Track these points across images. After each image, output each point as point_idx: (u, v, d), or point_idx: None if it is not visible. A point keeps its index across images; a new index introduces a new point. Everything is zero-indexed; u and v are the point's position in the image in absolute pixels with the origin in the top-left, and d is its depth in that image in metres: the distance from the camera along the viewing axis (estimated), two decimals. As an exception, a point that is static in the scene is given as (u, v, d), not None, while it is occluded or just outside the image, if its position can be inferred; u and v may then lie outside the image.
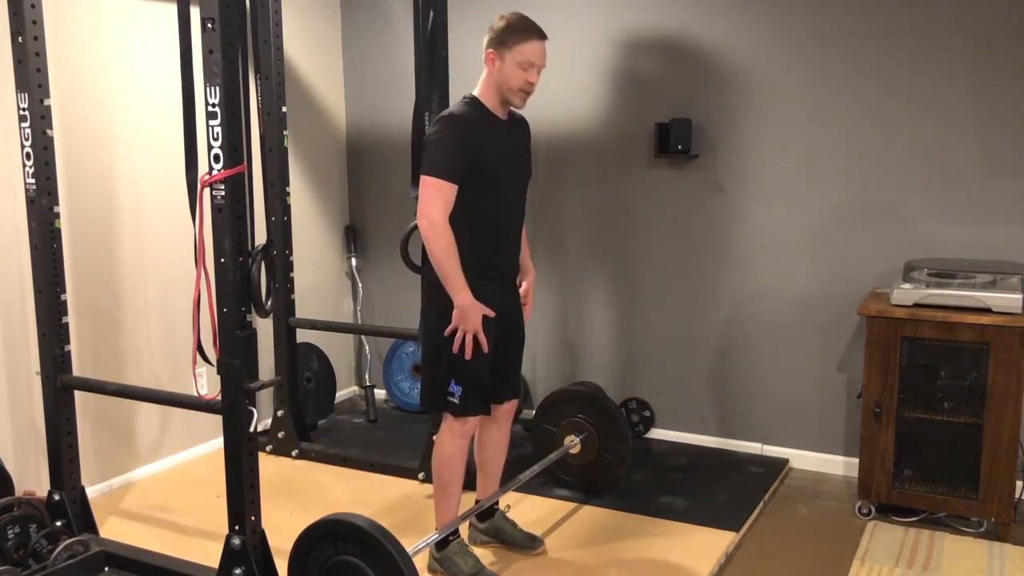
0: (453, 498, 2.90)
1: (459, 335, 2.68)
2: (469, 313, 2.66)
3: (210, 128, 2.37)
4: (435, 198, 2.62)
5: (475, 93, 2.77)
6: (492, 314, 2.72)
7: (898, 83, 3.54)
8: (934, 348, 3.25)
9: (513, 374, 2.99)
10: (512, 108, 2.81)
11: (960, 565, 3.01)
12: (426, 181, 2.63)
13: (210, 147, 2.38)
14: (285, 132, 3.92)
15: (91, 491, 3.29)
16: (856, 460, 3.48)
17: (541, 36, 2.71)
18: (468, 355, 2.69)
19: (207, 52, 2.34)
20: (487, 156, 2.69)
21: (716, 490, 3.60)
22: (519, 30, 2.68)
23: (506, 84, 2.70)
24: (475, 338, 2.69)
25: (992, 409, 3.11)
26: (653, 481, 3.70)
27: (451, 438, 2.84)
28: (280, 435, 4.01)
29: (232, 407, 2.51)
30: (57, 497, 2.97)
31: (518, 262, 2.95)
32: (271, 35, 3.85)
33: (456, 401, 2.77)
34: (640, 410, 4.20)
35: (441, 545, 2.89)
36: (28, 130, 2.79)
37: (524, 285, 3.01)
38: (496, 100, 2.75)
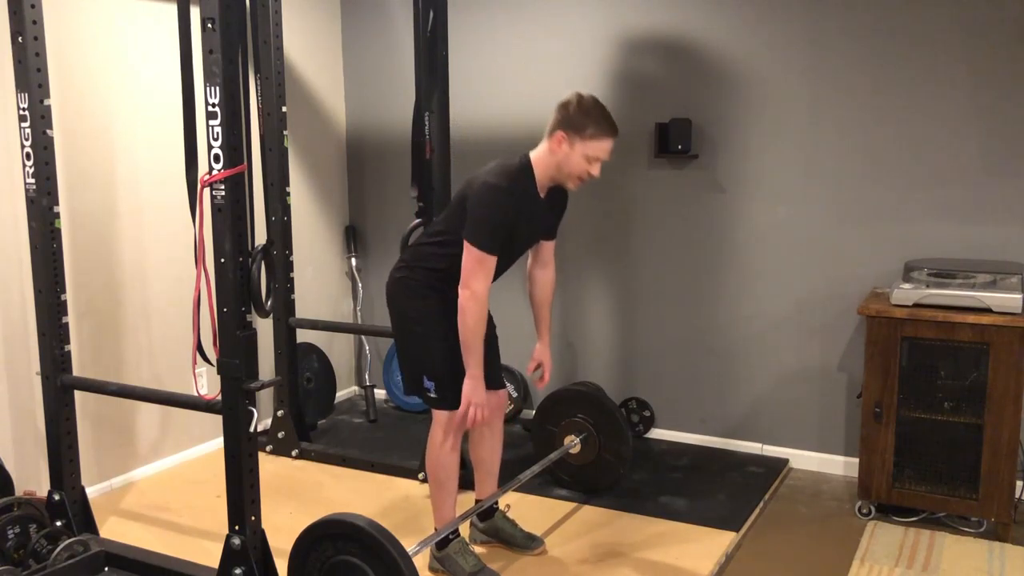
0: (449, 496, 2.90)
1: (472, 411, 2.70)
2: (479, 386, 2.69)
3: (210, 128, 2.37)
4: (479, 271, 2.62)
5: (532, 158, 2.73)
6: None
7: (898, 83, 3.54)
8: (934, 348, 3.25)
9: (493, 365, 2.98)
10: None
11: (960, 565, 3.01)
12: (471, 251, 2.62)
13: (210, 147, 2.38)
14: (285, 132, 3.91)
15: (91, 491, 3.29)
16: (856, 460, 3.47)
17: (616, 133, 2.69)
18: (470, 424, 2.74)
19: (207, 52, 2.34)
20: (517, 229, 2.71)
21: (716, 490, 3.60)
22: (598, 124, 2.64)
23: (567, 169, 2.68)
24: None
25: (992, 409, 3.11)
26: (653, 481, 3.69)
27: (442, 434, 2.85)
28: (280, 435, 4.00)
29: (232, 407, 2.51)
30: (57, 497, 2.97)
31: None
32: (271, 35, 3.85)
33: (433, 395, 2.80)
34: (640, 410, 4.20)
35: (442, 544, 2.89)
36: (28, 130, 2.79)
37: (538, 351, 3.05)
38: (548, 177, 2.73)
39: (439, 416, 2.85)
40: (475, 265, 2.62)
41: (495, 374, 3.00)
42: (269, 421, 4.05)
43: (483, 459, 3.08)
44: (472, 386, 2.69)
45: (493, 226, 2.63)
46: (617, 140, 2.72)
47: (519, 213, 2.69)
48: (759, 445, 4.00)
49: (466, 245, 2.63)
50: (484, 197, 2.64)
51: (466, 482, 3.10)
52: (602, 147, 2.66)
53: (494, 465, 3.10)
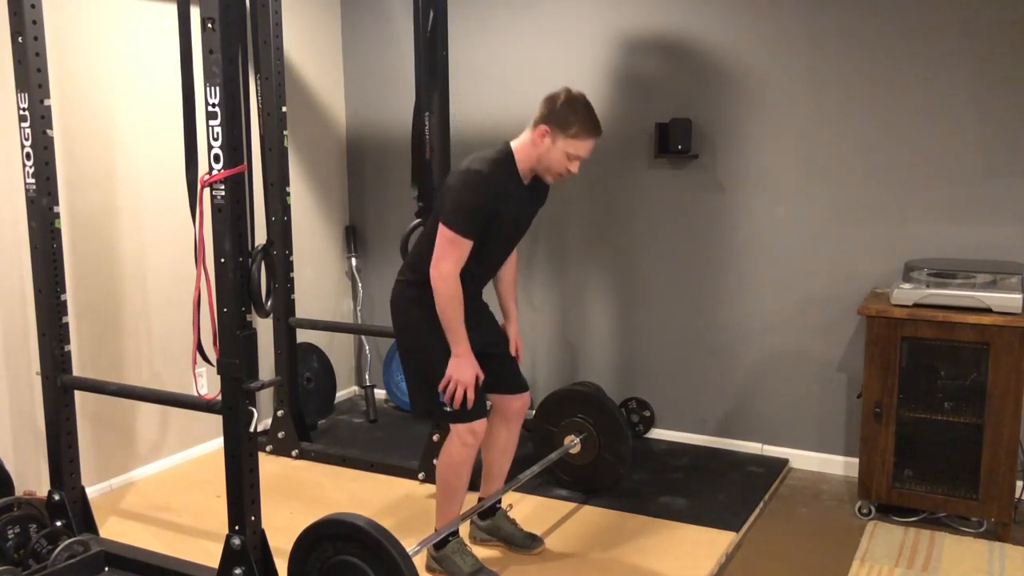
0: (456, 503, 2.89)
1: (452, 386, 2.68)
2: (465, 364, 2.67)
3: (210, 128, 2.37)
4: (451, 253, 2.62)
5: (513, 147, 2.72)
6: (482, 376, 2.74)
7: (898, 83, 3.53)
8: (934, 348, 3.25)
9: (511, 369, 2.99)
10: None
11: (960, 565, 3.01)
12: (444, 233, 2.62)
13: (210, 147, 2.38)
14: (285, 132, 3.91)
15: (91, 491, 3.29)
16: (856, 460, 3.47)
17: (599, 134, 2.69)
18: (457, 405, 2.70)
19: (207, 52, 2.34)
20: (500, 216, 2.69)
21: (716, 490, 3.60)
22: (583, 124, 2.64)
23: (546, 164, 2.68)
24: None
25: (992, 409, 3.11)
26: (653, 481, 3.69)
27: (461, 445, 2.80)
28: (280, 435, 4.01)
29: (232, 407, 2.51)
30: (57, 497, 2.97)
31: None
32: (271, 35, 3.85)
33: (449, 410, 2.75)
34: (640, 410, 4.20)
35: (440, 544, 2.89)
36: (28, 130, 2.79)
37: (510, 332, 3.02)
38: (528, 167, 2.72)
39: (458, 429, 2.79)
40: (447, 245, 2.62)
41: (515, 378, 3.00)
42: (269, 421, 4.05)
43: (494, 460, 3.06)
44: (456, 364, 2.67)
45: (470, 209, 2.62)
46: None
47: (502, 199, 2.67)
48: (759, 445, 4.00)
49: (440, 227, 2.63)
50: (463, 181, 2.65)
51: (471, 481, 3.09)
52: (583, 146, 2.67)
53: (503, 467, 3.08)
